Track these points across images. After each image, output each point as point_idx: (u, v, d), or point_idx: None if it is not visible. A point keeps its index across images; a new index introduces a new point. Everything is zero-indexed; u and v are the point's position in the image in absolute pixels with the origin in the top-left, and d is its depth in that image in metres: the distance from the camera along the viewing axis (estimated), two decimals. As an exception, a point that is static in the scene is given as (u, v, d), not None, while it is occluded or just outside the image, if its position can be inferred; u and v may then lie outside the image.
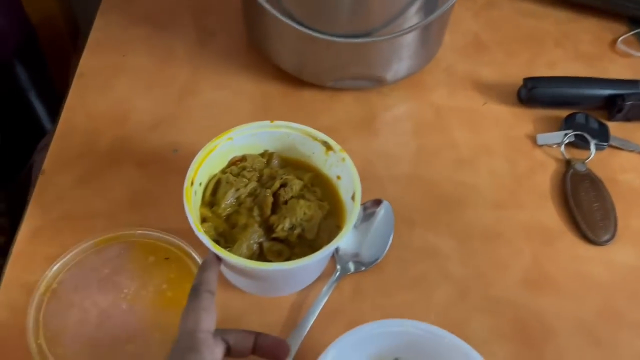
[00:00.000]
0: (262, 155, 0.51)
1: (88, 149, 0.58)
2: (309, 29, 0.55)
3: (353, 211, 0.45)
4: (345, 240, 0.51)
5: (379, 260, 0.51)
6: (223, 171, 0.50)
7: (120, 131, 0.59)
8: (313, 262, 0.43)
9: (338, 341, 0.39)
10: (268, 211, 0.47)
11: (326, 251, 0.43)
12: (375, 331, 0.40)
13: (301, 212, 0.46)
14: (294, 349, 0.46)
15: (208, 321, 0.38)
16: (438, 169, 0.59)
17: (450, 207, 0.56)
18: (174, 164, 0.57)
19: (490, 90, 0.65)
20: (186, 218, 0.48)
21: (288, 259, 0.46)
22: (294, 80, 0.63)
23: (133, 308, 0.47)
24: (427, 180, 0.58)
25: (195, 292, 0.39)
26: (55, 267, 0.49)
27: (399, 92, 0.65)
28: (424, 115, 0.63)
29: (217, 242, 0.45)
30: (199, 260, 0.50)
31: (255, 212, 0.47)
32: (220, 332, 0.39)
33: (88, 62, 0.64)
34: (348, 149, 0.49)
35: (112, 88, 0.63)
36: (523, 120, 0.63)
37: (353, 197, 0.46)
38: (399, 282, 0.51)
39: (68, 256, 0.49)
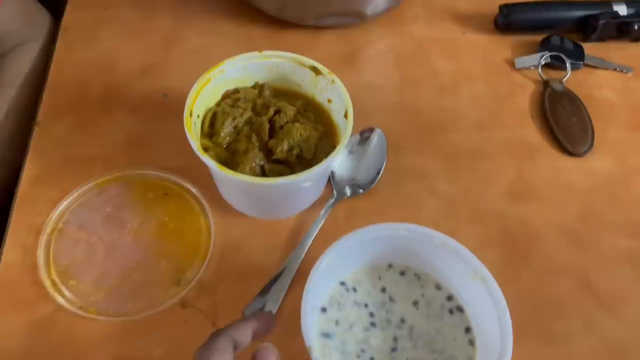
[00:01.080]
0: (254, 87, 0.53)
1: (80, 98, 0.59)
2: (288, -35, 0.57)
3: (347, 127, 0.47)
4: (341, 166, 0.53)
5: (375, 182, 0.53)
6: (218, 104, 0.51)
7: (110, 80, 0.60)
8: (313, 176, 0.45)
9: (332, 247, 0.41)
10: (266, 136, 0.49)
11: (327, 163, 0.45)
12: (368, 236, 0.42)
13: (297, 134, 0.48)
14: (294, 268, 0.48)
15: None
16: (421, 96, 0.61)
17: (435, 131, 0.58)
18: (165, 108, 0.59)
19: (468, 20, 0.67)
20: (181, 156, 0.50)
21: None
22: (277, 21, 0.65)
23: (138, 240, 0.50)
24: (412, 107, 0.60)
25: (216, 333, 0.36)
26: (60, 209, 0.50)
27: (380, 28, 0.66)
28: (405, 48, 0.65)
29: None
30: (197, 194, 0.52)
31: (254, 139, 0.49)
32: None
33: (71, 17, 0.65)
34: (334, 82, 0.51)
35: (98, 40, 0.64)
36: (501, 46, 0.65)
37: (345, 115, 0.48)
38: (390, 202, 0.54)
39: (71, 198, 0.51)
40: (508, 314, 0.39)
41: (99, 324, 0.46)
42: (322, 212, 0.52)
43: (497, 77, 0.63)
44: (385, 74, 0.63)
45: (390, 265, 0.45)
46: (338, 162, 0.54)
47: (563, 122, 0.58)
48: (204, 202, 0.51)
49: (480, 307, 0.41)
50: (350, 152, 0.54)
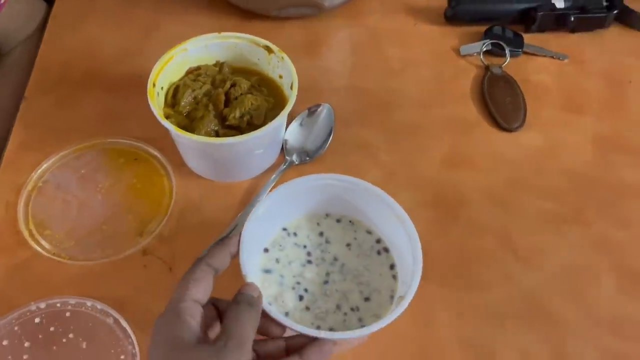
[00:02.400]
0: (215, 65, 0.59)
1: (64, 78, 0.66)
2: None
3: (291, 96, 0.53)
4: (292, 136, 0.60)
5: (322, 152, 0.60)
6: (181, 79, 0.58)
7: (91, 63, 0.67)
8: (260, 137, 0.51)
9: (270, 195, 0.47)
10: (221, 105, 0.56)
11: (272, 125, 0.51)
12: (304, 185, 0.48)
13: (249, 103, 0.55)
14: (243, 223, 0.54)
15: (194, 291, 0.38)
16: (371, 79, 0.67)
17: (381, 109, 0.64)
18: (139, 88, 0.63)
19: (420, 13, 0.73)
20: (150, 128, 0.57)
21: None
22: (245, 13, 0.71)
23: (108, 198, 0.56)
24: (362, 89, 0.66)
25: (194, 263, 0.40)
26: (40, 170, 0.57)
27: (338, 19, 0.73)
28: (360, 37, 0.71)
29: (179, 133, 0.54)
30: (162, 160, 0.58)
31: (211, 108, 0.55)
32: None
33: (60, 6, 0.72)
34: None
35: (83, 28, 0.71)
36: (449, 36, 0.71)
37: (291, 87, 0.54)
38: (336, 170, 0.58)
39: (50, 161, 0.58)
40: (419, 247, 0.45)
41: (69, 267, 0.52)
42: (273, 176, 0.58)
43: (443, 63, 0.69)
44: (340, 60, 0.69)
45: (327, 214, 0.51)
46: (290, 131, 0.60)
47: (498, 101, 0.64)
48: (169, 166, 0.58)
49: (400, 246, 0.47)
50: (301, 124, 0.61)
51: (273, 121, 0.52)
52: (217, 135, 0.55)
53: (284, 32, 0.71)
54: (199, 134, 0.53)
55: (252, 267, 0.45)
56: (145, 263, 0.53)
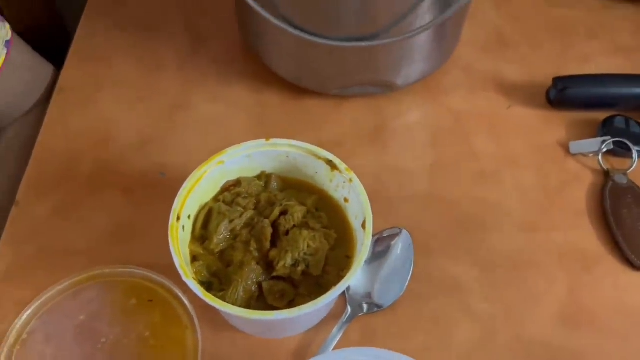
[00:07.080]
0: (259, 177, 0.45)
1: (67, 174, 0.52)
2: (308, 33, 0.49)
3: (364, 243, 0.39)
4: (355, 278, 0.45)
5: (396, 299, 0.45)
6: (216, 199, 0.44)
7: (102, 153, 0.54)
8: (320, 307, 0.37)
9: None
10: (267, 244, 0.41)
11: (334, 294, 0.37)
12: None
13: (305, 245, 0.40)
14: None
15: None
16: (457, 185, 0.52)
17: (472, 230, 0.49)
18: (162, 189, 0.51)
19: (516, 92, 0.58)
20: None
21: (292, 300, 0.41)
22: (295, 88, 0.57)
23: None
24: (445, 199, 0.51)
25: None
26: (26, 315, 0.43)
27: (412, 97, 0.58)
28: (440, 123, 0.56)
29: (210, 284, 0.41)
30: (186, 302, 0.44)
31: (253, 247, 0.41)
32: None
33: (69, 75, 0.59)
34: (356, 165, 0.43)
35: (95, 103, 0.57)
36: (553, 125, 0.56)
37: (363, 225, 0.40)
38: (415, 322, 0.45)
39: (41, 300, 0.44)
40: None
41: None
42: (334, 331, 0.43)
43: (548, 163, 0.53)
44: (415, 155, 0.54)
45: None
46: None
47: (627, 225, 0.49)
48: (193, 312, 0.43)
49: None
50: (370, 259, 0.46)
51: (338, 287, 0.37)
52: (260, 289, 0.40)
53: (342, 113, 0.57)
54: (235, 289, 0.39)
55: None
56: None
